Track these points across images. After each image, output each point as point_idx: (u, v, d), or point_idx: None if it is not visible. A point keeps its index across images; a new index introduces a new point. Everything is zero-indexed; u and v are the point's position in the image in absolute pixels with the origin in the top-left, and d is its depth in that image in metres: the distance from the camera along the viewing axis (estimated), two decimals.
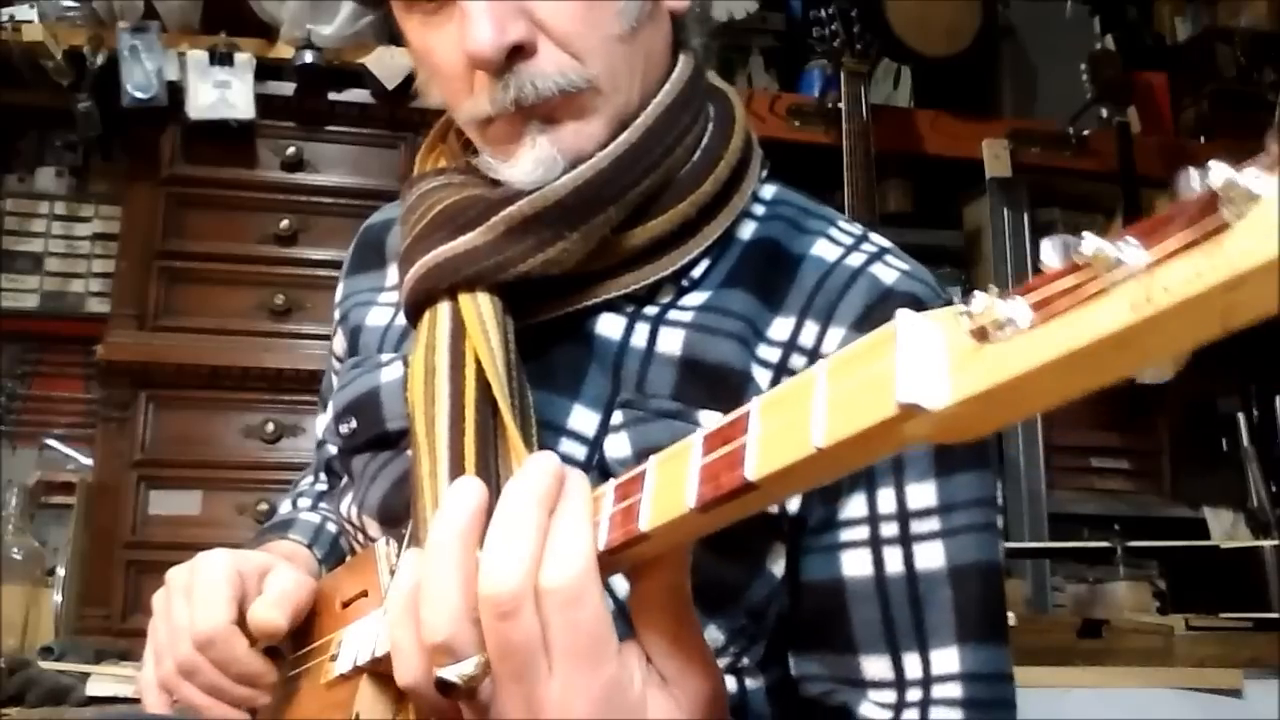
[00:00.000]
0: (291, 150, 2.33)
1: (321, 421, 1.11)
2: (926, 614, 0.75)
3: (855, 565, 0.77)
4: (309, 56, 2.27)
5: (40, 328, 2.46)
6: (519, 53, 0.76)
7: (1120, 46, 2.74)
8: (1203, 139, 2.87)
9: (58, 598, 2.13)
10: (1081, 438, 2.64)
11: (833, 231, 0.86)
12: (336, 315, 1.03)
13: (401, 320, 0.88)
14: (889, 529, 0.77)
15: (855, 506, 0.77)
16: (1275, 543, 2.48)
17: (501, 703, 0.50)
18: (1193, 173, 0.27)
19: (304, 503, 1.08)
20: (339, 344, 1.03)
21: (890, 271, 0.82)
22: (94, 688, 1.75)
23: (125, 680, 1.73)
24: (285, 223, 2.30)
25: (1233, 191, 0.26)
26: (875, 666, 0.76)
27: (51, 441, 2.40)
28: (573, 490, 0.51)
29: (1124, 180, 2.55)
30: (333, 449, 1.06)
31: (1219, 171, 0.27)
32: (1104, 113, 2.65)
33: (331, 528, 1.02)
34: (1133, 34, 2.91)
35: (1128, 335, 0.30)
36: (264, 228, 2.31)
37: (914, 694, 0.75)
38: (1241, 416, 2.65)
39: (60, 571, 2.15)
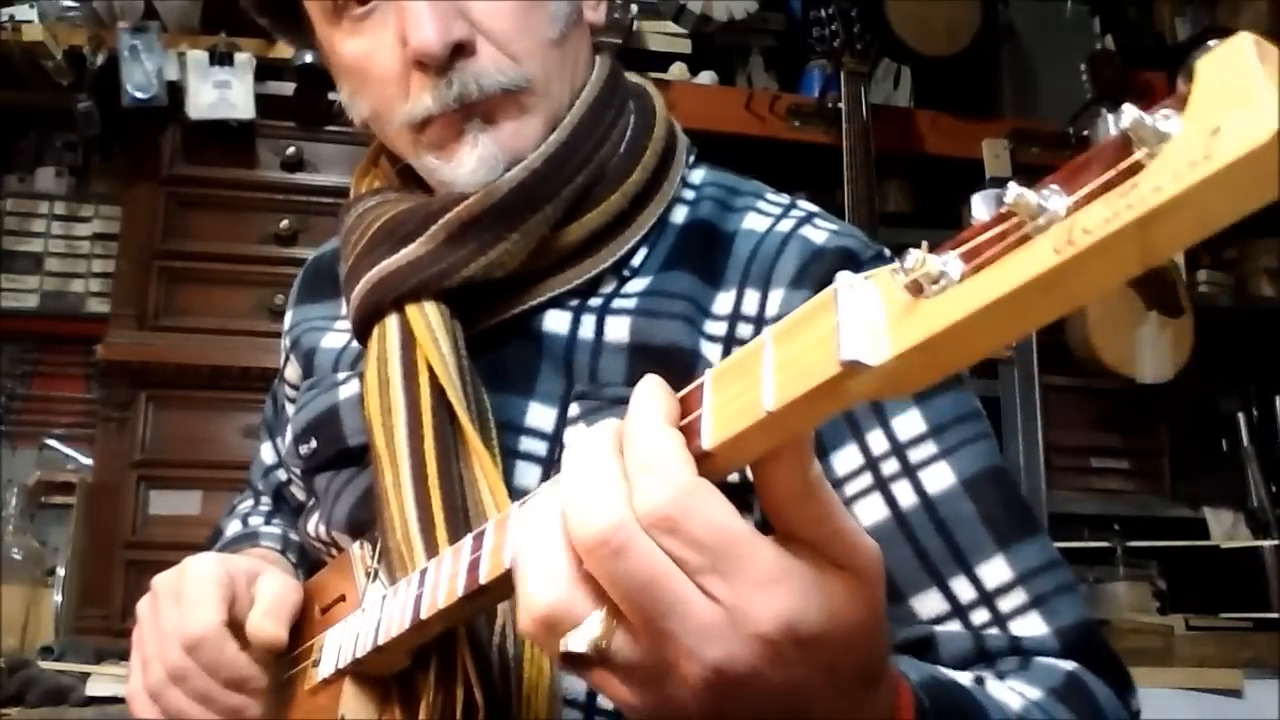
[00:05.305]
0: (291, 150, 2.34)
1: (266, 449, 1.11)
2: (957, 534, 0.74)
3: (870, 513, 0.75)
4: (309, 56, 2.26)
5: (40, 328, 2.46)
6: (460, 51, 0.79)
7: (1120, 46, 2.74)
8: None
9: (58, 598, 2.13)
10: (1081, 438, 2.63)
11: (760, 204, 0.89)
12: (286, 343, 1.04)
13: (357, 345, 0.89)
14: (890, 466, 0.76)
15: (849, 458, 0.77)
16: (1275, 543, 2.48)
17: (650, 653, 0.44)
18: (1109, 118, 0.27)
19: (255, 520, 1.08)
20: (291, 371, 1.03)
21: (819, 232, 0.84)
22: (94, 688, 1.77)
23: (125, 680, 1.74)
24: (285, 223, 2.31)
25: (1142, 131, 0.27)
26: (928, 604, 0.73)
27: (51, 441, 2.40)
28: (636, 406, 0.45)
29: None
30: (283, 475, 1.08)
31: (1129, 113, 0.27)
32: (1104, 113, 2.65)
33: (294, 537, 1.03)
34: (1133, 34, 2.90)
35: (1052, 278, 0.30)
36: (264, 228, 2.32)
37: (980, 615, 0.73)
38: (1241, 416, 2.64)
39: (60, 571, 2.15)
